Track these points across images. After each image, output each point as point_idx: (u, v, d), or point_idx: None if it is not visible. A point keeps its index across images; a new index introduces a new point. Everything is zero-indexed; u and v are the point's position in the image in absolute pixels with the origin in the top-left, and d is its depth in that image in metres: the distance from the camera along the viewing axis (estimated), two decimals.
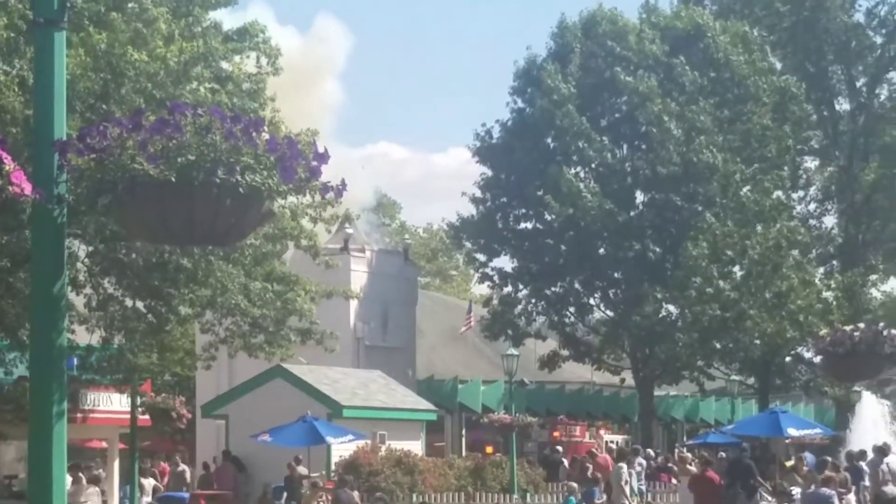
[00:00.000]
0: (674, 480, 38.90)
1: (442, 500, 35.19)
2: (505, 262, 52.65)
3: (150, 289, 22.70)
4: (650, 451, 44.43)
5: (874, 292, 61.75)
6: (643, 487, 37.58)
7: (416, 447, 38.28)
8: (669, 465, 41.95)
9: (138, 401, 30.50)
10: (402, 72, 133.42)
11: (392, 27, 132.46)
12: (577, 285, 51.31)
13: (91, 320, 23.66)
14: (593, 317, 52.87)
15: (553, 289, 51.12)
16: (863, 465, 31.18)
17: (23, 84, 20.16)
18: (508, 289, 52.08)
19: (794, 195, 59.11)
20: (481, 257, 52.66)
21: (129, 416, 30.52)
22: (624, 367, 52.81)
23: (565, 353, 52.18)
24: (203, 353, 26.14)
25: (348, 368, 41.86)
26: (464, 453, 45.89)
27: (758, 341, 50.05)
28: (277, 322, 25.00)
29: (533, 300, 51.38)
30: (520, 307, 51.26)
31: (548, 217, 49.54)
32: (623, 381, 54.22)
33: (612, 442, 56.94)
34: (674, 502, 36.42)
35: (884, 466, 29.94)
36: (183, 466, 38.41)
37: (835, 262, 60.48)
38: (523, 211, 51.47)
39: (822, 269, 58.36)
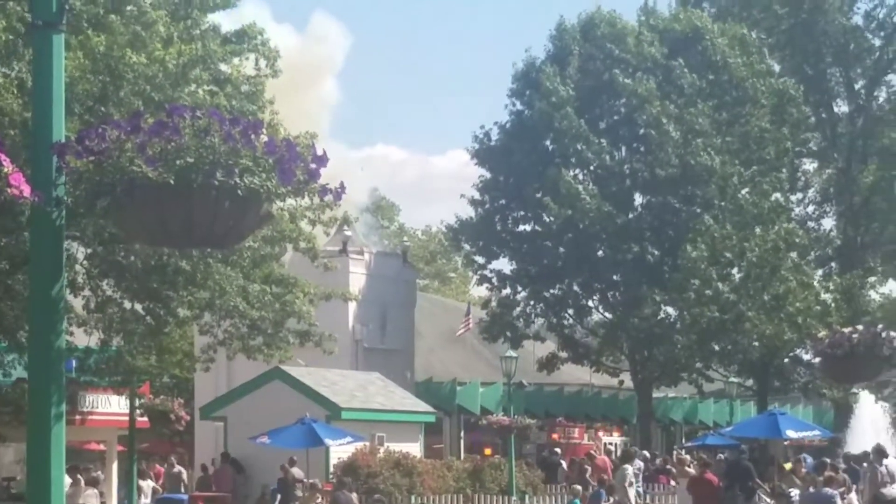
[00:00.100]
0: (672, 482, 38.92)
1: (440, 502, 35.19)
2: (503, 265, 52.72)
3: (149, 291, 22.71)
4: (646, 453, 44.42)
5: (873, 294, 61.82)
6: (640, 489, 37.61)
7: (414, 449, 38.29)
8: (668, 466, 41.97)
9: (137, 403, 30.51)
10: (400, 73, 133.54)
11: (390, 28, 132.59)
12: (575, 287, 51.33)
13: (90, 322, 23.67)
14: (592, 319, 52.90)
15: (552, 291, 51.13)
16: (862, 466, 31.22)
17: (21, 86, 20.17)
18: (507, 291, 52.09)
19: (793, 197, 59.14)
20: (480, 259, 52.69)
21: (127, 418, 30.55)
22: (622, 368, 52.83)
23: (564, 354, 52.19)
24: (202, 355, 26.15)
25: (347, 370, 41.87)
26: (462, 455, 45.89)
27: (756, 343, 50.05)
28: (276, 324, 25.01)
29: (531, 302, 51.39)
30: (518, 309, 51.27)
31: (546, 219, 49.56)
32: (622, 382, 54.23)
33: (610, 444, 57.05)
34: None
35: (882, 468, 29.96)
36: (179, 468, 38.42)
37: (833, 265, 60.48)
38: (522, 213, 51.50)
39: (820, 272, 58.37)
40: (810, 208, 63.91)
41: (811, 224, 61.75)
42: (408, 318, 51.27)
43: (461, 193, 52.14)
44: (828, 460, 32.32)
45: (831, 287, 53.54)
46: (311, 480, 31.28)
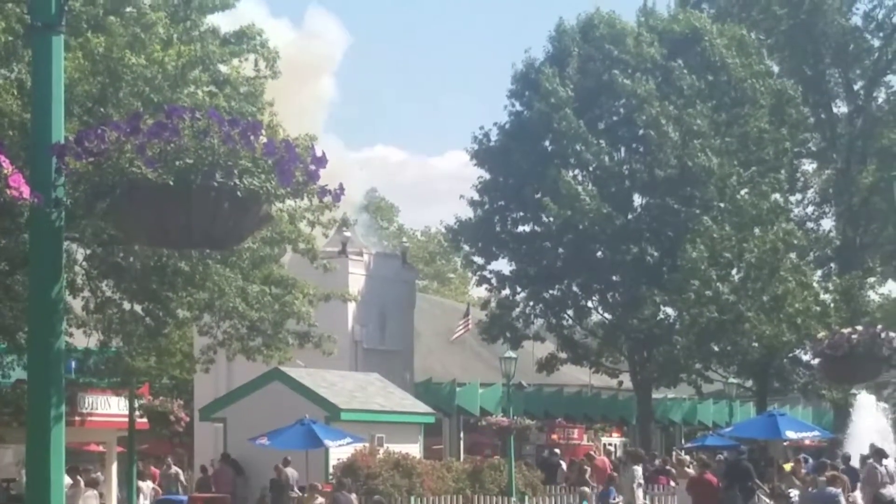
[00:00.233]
0: (672, 483, 38.91)
1: (440, 503, 35.18)
2: (503, 265, 52.76)
3: (148, 292, 22.72)
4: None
5: (872, 295, 61.77)
6: (611, 489, 37.55)
7: (414, 450, 38.28)
8: (667, 467, 41.95)
9: (136, 404, 30.51)
10: (399, 74, 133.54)
11: (389, 29, 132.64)
12: (574, 288, 51.34)
13: (89, 323, 23.68)
14: (591, 319, 52.91)
15: (551, 292, 51.14)
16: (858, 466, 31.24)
17: (21, 87, 20.19)
18: (506, 292, 52.09)
19: (792, 198, 59.17)
20: (479, 260, 52.70)
21: (127, 419, 30.54)
22: (622, 369, 52.83)
23: (563, 355, 52.22)
24: (201, 357, 26.15)
25: (346, 371, 41.87)
26: (462, 456, 45.88)
27: (756, 344, 50.04)
28: (275, 325, 25.02)
29: (531, 303, 51.39)
30: (518, 310, 51.28)
31: (546, 220, 49.58)
32: (621, 383, 54.23)
33: (610, 445, 57.04)
34: None
35: (882, 468, 29.98)
36: (175, 469, 38.36)
37: (832, 265, 60.48)
38: (521, 214, 51.52)
39: (819, 272, 58.39)
40: (809, 209, 63.96)
41: (810, 225, 61.77)
42: (407, 319, 51.27)
43: (460, 194, 52.28)
44: (828, 461, 32.33)
45: (830, 288, 53.56)
46: (311, 483, 31.30)
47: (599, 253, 49.76)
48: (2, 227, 19.61)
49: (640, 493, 33.21)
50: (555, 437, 52.30)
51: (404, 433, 38.98)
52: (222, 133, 8.99)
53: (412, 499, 34.17)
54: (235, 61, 23.33)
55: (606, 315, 51.78)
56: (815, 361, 29.86)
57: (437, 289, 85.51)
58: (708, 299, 47.38)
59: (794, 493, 29.73)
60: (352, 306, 43.42)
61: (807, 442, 46.32)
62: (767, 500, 31.77)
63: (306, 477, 32.02)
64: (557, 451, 46.65)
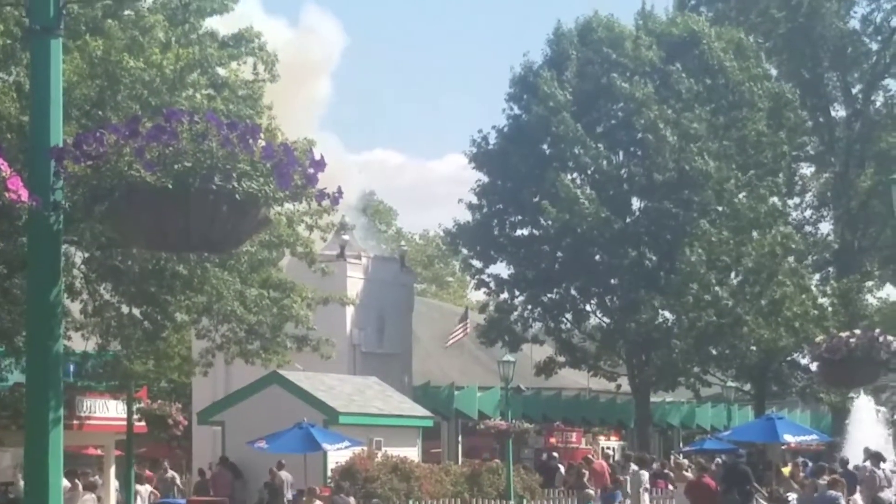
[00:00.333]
0: (670, 487, 38.89)
1: None
2: (501, 269, 52.74)
3: (147, 295, 22.71)
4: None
5: (870, 298, 61.88)
6: (618, 493, 37.55)
7: (412, 453, 38.26)
8: (666, 471, 41.93)
9: (134, 407, 30.49)
10: (397, 78, 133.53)
11: (387, 31, 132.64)
12: (573, 291, 51.34)
13: (87, 327, 23.67)
14: (589, 323, 52.90)
15: (549, 295, 51.13)
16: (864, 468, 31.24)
17: (19, 90, 20.18)
18: (504, 295, 52.06)
19: (790, 202, 59.19)
20: (477, 264, 52.69)
21: (125, 422, 30.51)
22: (620, 373, 52.81)
23: (561, 359, 52.21)
24: (199, 360, 26.14)
25: (344, 375, 41.84)
26: (460, 460, 45.86)
27: (754, 347, 50.07)
28: (274, 328, 25.01)
29: (529, 307, 51.39)
30: (516, 313, 51.27)
31: (544, 223, 49.58)
32: (619, 387, 54.21)
33: (608, 448, 57.00)
34: None
35: (880, 472, 29.98)
36: (172, 473, 38.36)
37: (831, 269, 60.52)
38: (519, 217, 51.51)
39: (817, 276, 58.44)
40: (807, 212, 64.04)
41: (808, 228, 61.82)
42: (405, 323, 51.26)
43: (459, 198, 52.21)
44: (826, 464, 32.32)
45: (829, 291, 53.57)
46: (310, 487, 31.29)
47: (598, 256, 49.76)
48: (0, 230, 19.60)
49: (646, 497, 33.24)
50: (553, 440, 52.27)
51: (402, 437, 38.97)
52: (221, 136, 8.98)
53: (410, 502, 34.16)
54: (234, 64, 23.31)
55: (605, 319, 51.78)
56: (814, 365, 29.90)
57: (436, 292, 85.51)
58: (706, 303, 47.38)
59: (793, 497, 29.72)
60: (350, 310, 43.36)
61: (803, 446, 46.29)
62: None
63: (304, 480, 32.01)
64: (556, 454, 46.63)
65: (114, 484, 33.76)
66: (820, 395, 56.13)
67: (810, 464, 37.39)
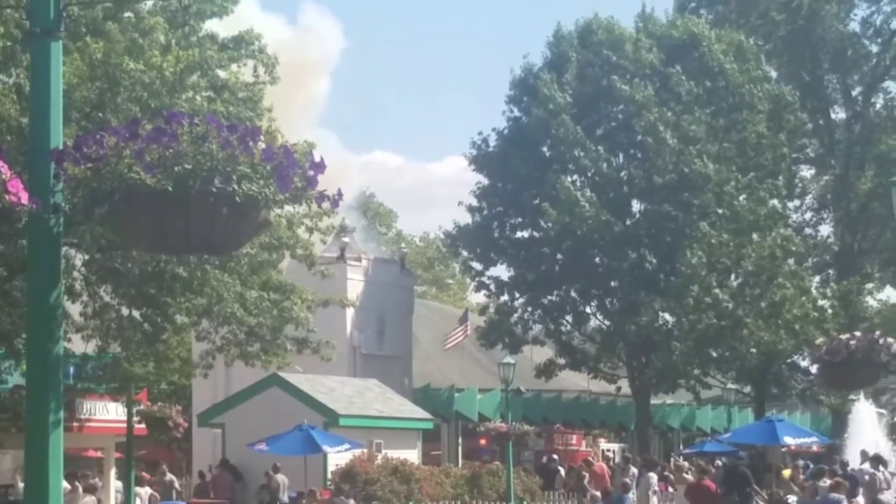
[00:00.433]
0: (670, 489, 38.91)
1: None
2: (501, 271, 52.70)
3: (147, 297, 22.72)
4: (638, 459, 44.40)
5: (870, 301, 61.88)
6: (628, 496, 37.57)
7: (412, 456, 38.27)
8: (666, 473, 41.95)
9: (134, 410, 30.50)
10: (396, 79, 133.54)
11: (388, 33, 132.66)
12: (573, 294, 51.32)
13: (87, 329, 23.67)
14: (589, 325, 52.88)
15: (549, 297, 51.10)
16: (863, 472, 31.24)
17: (19, 92, 20.19)
18: (505, 297, 52.04)
19: (790, 204, 59.17)
20: (478, 266, 52.65)
21: (125, 425, 30.52)
22: (620, 375, 52.80)
23: (561, 361, 52.19)
24: (199, 362, 26.14)
25: (345, 377, 41.83)
26: (460, 462, 45.86)
27: (754, 350, 50.05)
28: (274, 331, 25.01)
29: (529, 309, 51.37)
30: (516, 316, 51.26)
31: (544, 226, 49.58)
32: (619, 389, 54.20)
33: (608, 450, 56.99)
34: None
35: (880, 475, 29.99)
36: (170, 476, 38.37)
37: (831, 271, 60.52)
38: (519, 220, 51.49)
39: (818, 278, 58.40)
40: (808, 215, 64.04)
41: (808, 231, 61.83)
42: (405, 325, 51.26)
43: (459, 200, 52.20)
44: (826, 467, 32.33)
45: (829, 293, 53.55)
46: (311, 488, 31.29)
47: (598, 259, 49.74)
48: (0, 232, 19.61)
49: (655, 500, 33.25)
50: (553, 443, 52.26)
51: (403, 439, 38.97)
52: (221, 138, 8.98)
53: None
54: (234, 67, 23.31)
55: (605, 321, 51.76)
56: (814, 367, 29.86)
57: (436, 294, 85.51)
58: (706, 305, 47.38)
59: (793, 499, 29.77)
60: (350, 312, 43.38)
61: (804, 448, 46.28)
62: None
63: (305, 483, 32.02)
64: (556, 456, 46.64)
65: (115, 486, 33.75)
66: (820, 397, 56.12)
67: (811, 465, 37.44)
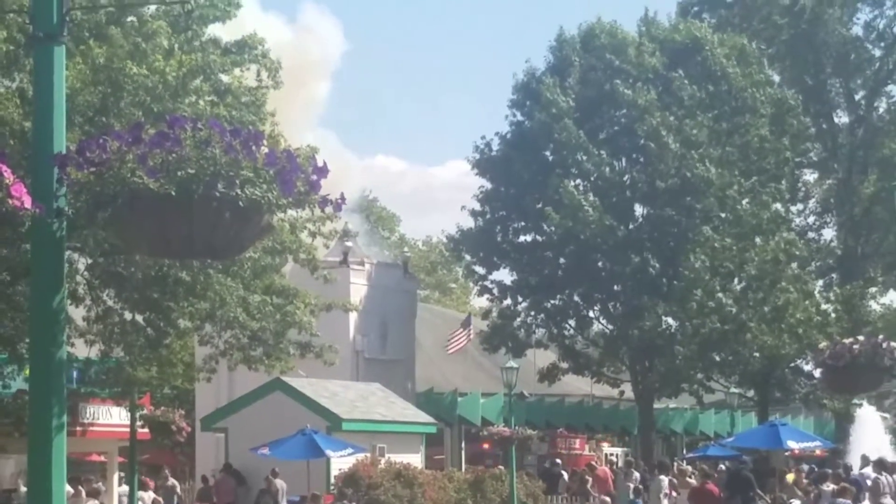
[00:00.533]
0: (674, 493, 38.88)
1: None
2: (504, 275, 52.72)
3: (150, 302, 22.72)
4: (641, 463, 44.43)
5: (873, 305, 61.86)
6: (639, 501, 37.58)
7: (415, 460, 38.25)
8: (669, 477, 41.92)
9: (137, 414, 30.50)
10: (399, 83, 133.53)
11: (389, 35, 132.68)
12: (576, 298, 51.32)
13: (90, 333, 23.67)
14: (593, 329, 52.87)
15: (552, 301, 51.12)
16: (864, 476, 31.23)
17: (22, 97, 20.21)
18: (508, 301, 52.07)
19: (793, 208, 59.16)
20: (480, 270, 52.67)
21: (128, 429, 30.52)
22: (623, 379, 52.79)
23: (565, 365, 52.19)
24: (203, 366, 26.13)
25: (348, 381, 41.85)
26: (463, 466, 45.84)
27: (757, 354, 50.04)
28: (277, 335, 25.00)
29: (532, 313, 51.38)
30: (519, 320, 51.27)
31: (547, 230, 49.58)
32: (622, 393, 54.19)
33: (611, 455, 56.98)
34: None
35: (883, 479, 29.96)
36: (172, 481, 38.35)
37: (834, 275, 60.54)
38: (522, 224, 51.51)
39: (821, 282, 58.42)
40: (811, 219, 64.04)
41: (811, 235, 61.84)
42: (409, 329, 51.25)
43: (462, 205, 52.23)
44: (829, 471, 32.31)
45: (832, 298, 53.57)
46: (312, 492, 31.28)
47: (601, 263, 49.73)
48: (3, 237, 19.61)
49: (665, 503, 33.25)
50: (557, 447, 52.23)
51: (406, 443, 38.95)
52: (224, 143, 8.99)
53: None
54: (237, 71, 23.32)
55: (608, 325, 51.76)
56: (817, 371, 29.90)
57: (439, 299, 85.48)
58: (710, 309, 47.37)
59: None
60: (353, 316, 43.40)
61: (807, 452, 46.26)
62: None
63: (307, 487, 32.01)
64: (559, 461, 46.61)
65: (119, 490, 33.73)
66: (823, 401, 56.11)
67: (817, 469, 37.43)
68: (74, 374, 25.14)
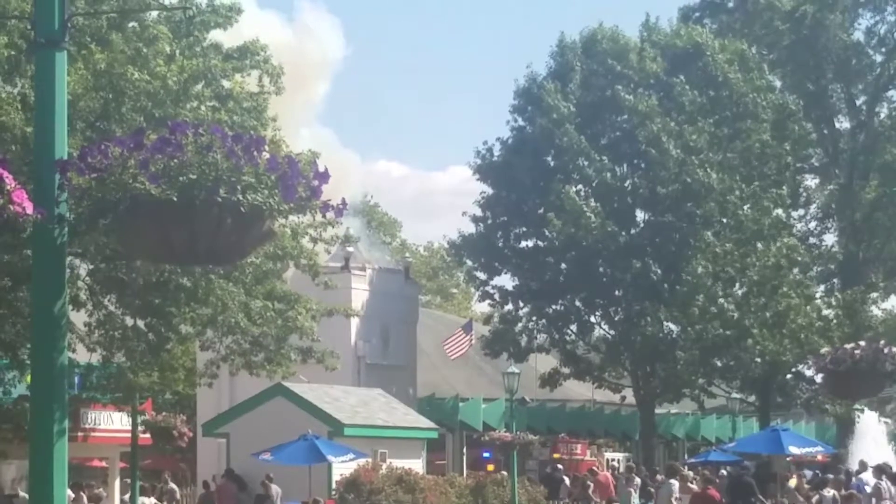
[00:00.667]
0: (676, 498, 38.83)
1: None
2: (505, 281, 52.68)
3: (151, 307, 22.75)
4: (642, 468, 44.42)
5: (875, 310, 61.68)
6: None
7: (417, 465, 38.23)
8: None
9: (139, 419, 30.51)
10: (400, 88, 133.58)
11: (391, 40, 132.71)
12: (577, 303, 51.30)
13: (92, 338, 23.68)
14: (594, 335, 52.84)
15: (554, 307, 51.09)
16: (863, 481, 31.23)
17: (24, 102, 20.23)
18: (509, 307, 52.04)
19: (794, 213, 59.10)
20: (482, 275, 52.63)
21: (130, 434, 30.52)
22: (625, 385, 52.77)
23: (566, 370, 52.16)
24: (204, 372, 26.15)
25: (349, 387, 41.81)
26: (465, 471, 45.82)
27: (758, 359, 49.99)
28: (278, 340, 25.02)
29: (534, 318, 51.36)
30: (520, 325, 51.25)
31: (548, 235, 49.56)
32: (624, 398, 54.17)
33: (613, 460, 56.95)
34: None
35: (884, 484, 29.96)
36: (172, 485, 38.34)
37: (835, 280, 60.49)
38: (524, 229, 51.47)
39: (822, 287, 58.38)
40: (812, 224, 63.92)
41: (813, 240, 61.74)
42: (410, 334, 51.22)
43: (463, 210, 52.20)
44: (830, 476, 32.30)
45: (833, 303, 53.53)
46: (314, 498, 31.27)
47: (602, 268, 49.71)
48: (5, 242, 19.63)
49: None
50: (558, 453, 52.22)
51: (407, 448, 38.93)
52: (225, 148, 8.99)
53: None
54: (238, 76, 23.33)
55: (609, 330, 51.73)
56: (819, 376, 29.87)
57: (440, 304, 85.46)
58: (711, 315, 47.35)
59: None
60: (355, 321, 43.37)
61: (808, 457, 46.23)
62: None
63: (309, 492, 32.00)
64: (560, 466, 46.59)
65: (120, 496, 33.73)
66: (825, 406, 56.05)
67: (819, 474, 37.41)
68: (76, 379, 25.13)
